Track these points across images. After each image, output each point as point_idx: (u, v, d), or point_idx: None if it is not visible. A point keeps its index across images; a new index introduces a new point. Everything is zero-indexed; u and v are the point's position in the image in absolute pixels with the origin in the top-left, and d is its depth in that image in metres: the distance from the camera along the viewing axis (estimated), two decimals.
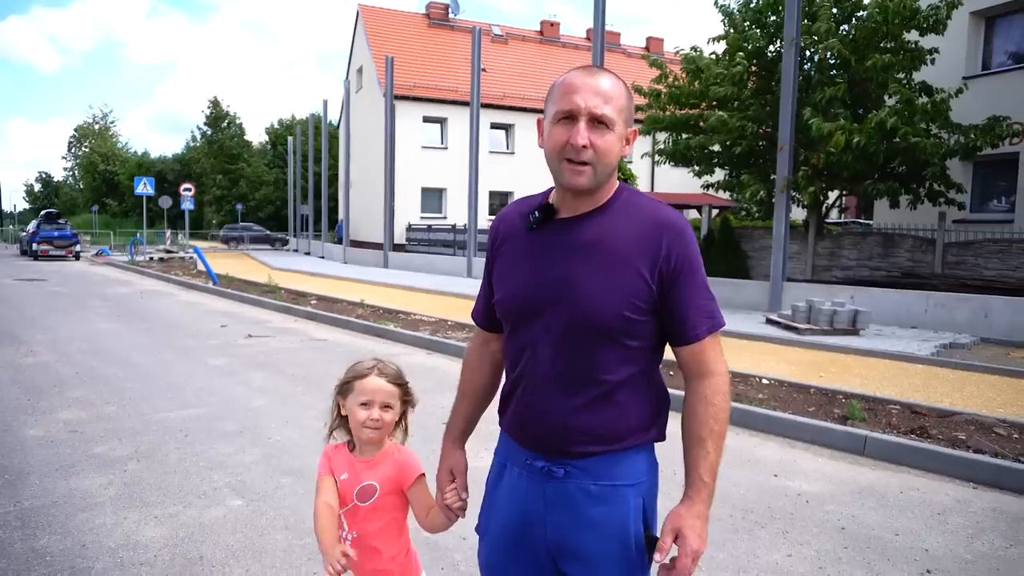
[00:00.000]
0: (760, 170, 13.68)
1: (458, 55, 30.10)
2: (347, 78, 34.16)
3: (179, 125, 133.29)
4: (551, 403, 1.47)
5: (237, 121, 58.06)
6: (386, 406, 1.78)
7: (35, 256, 26.32)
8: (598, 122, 1.40)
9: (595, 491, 1.48)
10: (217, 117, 56.76)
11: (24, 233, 31.18)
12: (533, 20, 37.29)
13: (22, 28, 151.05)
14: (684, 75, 13.82)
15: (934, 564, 3.28)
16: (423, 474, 1.86)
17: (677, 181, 27.48)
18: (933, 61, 12.30)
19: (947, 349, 8.60)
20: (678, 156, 14.46)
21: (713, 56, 13.65)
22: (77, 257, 27.01)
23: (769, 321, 10.17)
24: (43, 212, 30.77)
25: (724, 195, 16.56)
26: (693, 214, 26.33)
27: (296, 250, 35.46)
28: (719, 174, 15.07)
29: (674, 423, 1.54)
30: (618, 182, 1.55)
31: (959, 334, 9.36)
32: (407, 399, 1.84)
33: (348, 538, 1.81)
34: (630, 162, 25.58)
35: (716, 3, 13.56)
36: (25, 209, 71.64)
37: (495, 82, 30.42)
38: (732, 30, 13.35)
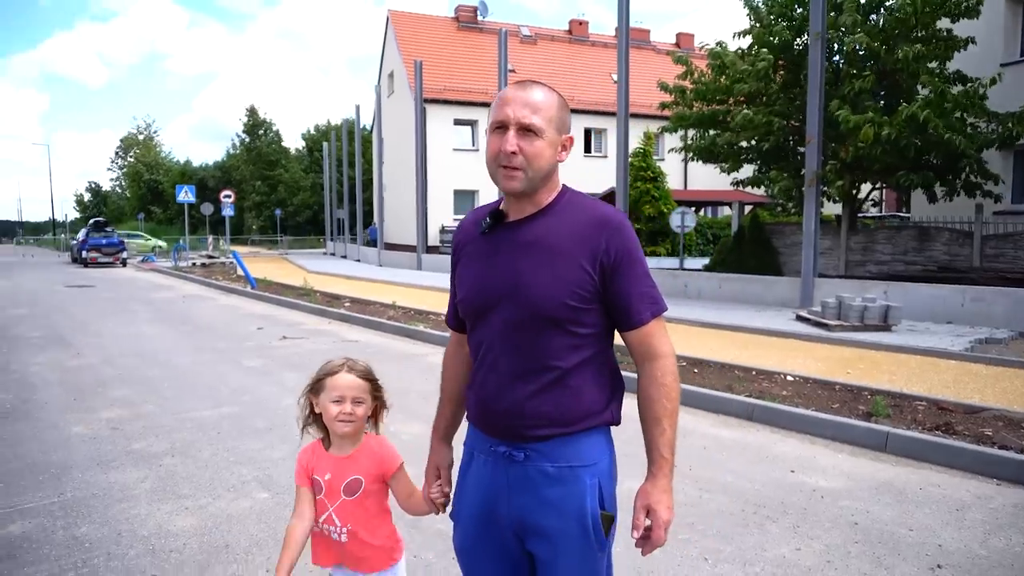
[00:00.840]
0: (789, 165, 13.52)
1: (487, 57, 30.27)
2: (378, 83, 34.63)
3: (219, 133, 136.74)
4: (507, 390, 1.57)
5: (274, 128, 59.28)
6: (357, 400, 1.86)
7: (85, 263, 27.30)
8: (527, 130, 1.52)
9: (553, 472, 1.57)
10: (255, 125, 58.05)
11: (74, 241, 32.35)
12: (563, 19, 37.36)
13: (69, 43, 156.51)
14: (709, 71, 13.73)
15: (946, 559, 3.28)
16: (402, 462, 1.97)
17: (709, 177, 27.20)
18: (967, 48, 12.01)
19: (982, 344, 8.41)
20: (705, 153, 14.37)
21: (739, 51, 13.53)
22: (124, 264, 27.95)
23: (799, 318, 10.07)
24: (91, 221, 31.87)
25: (757, 191, 16.39)
26: (726, 211, 26.05)
27: (332, 253, 36.09)
28: (748, 170, 14.93)
29: (632, 407, 1.63)
30: (561, 185, 1.66)
31: (996, 329, 9.14)
32: (377, 394, 1.93)
33: (344, 531, 1.89)
34: (662, 160, 25.51)
35: None
36: (76, 218, 74.24)
37: None
38: (758, 24, 13.22)
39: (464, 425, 1.87)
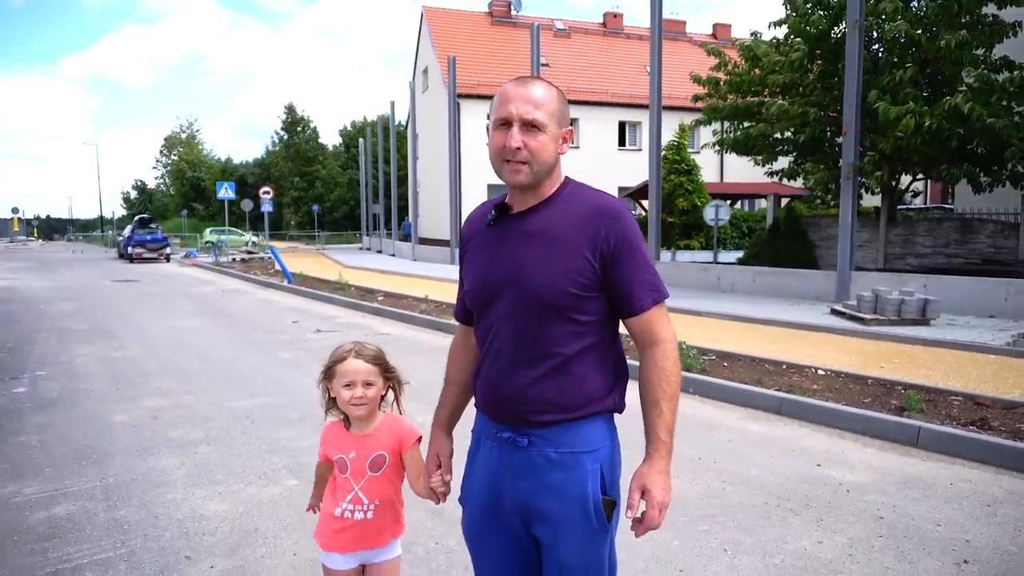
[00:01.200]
0: (826, 156, 13.26)
1: (521, 52, 30.20)
2: (412, 79, 34.89)
3: (259, 131, 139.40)
4: (511, 376, 1.62)
5: (312, 125, 60.12)
6: (367, 384, 1.94)
7: (130, 259, 28.15)
8: (530, 126, 1.57)
9: (555, 458, 1.61)
10: (293, 122, 58.96)
11: (120, 238, 33.36)
12: (598, 11, 37.07)
13: (116, 45, 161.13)
14: (743, 62, 13.52)
15: (973, 555, 3.23)
16: (420, 438, 2.03)
17: (745, 170, 26.81)
18: (1015, 34, 11.60)
19: None
20: (739, 145, 14.17)
21: (773, 41, 13.29)
22: (168, 259, 28.73)
23: (834, 312, 9.90)
24: (136, 218, 32.84)
25: (794, 183, 16.10)
26: (762, 203, 25.64)
27: (368, 248, 36.55)
28: (783, 162, 14.67)
29: (635, 395, 1.66)
30: (564, 176, 1.70)
31: None
32: (388, 374, 2.01)
33: (371, 507, 1.97)
34: (697, 153, 25.19)
35: None
36: (122, 215, 76.42)
37: (558, 76, 30.41)
38: (793, 13, 12.97)
39: (468, 414, 1.92)
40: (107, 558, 3.14)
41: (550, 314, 1.58)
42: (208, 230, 41.02)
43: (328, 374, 1.99)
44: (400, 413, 2.10)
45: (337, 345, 2.05)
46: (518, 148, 1.57)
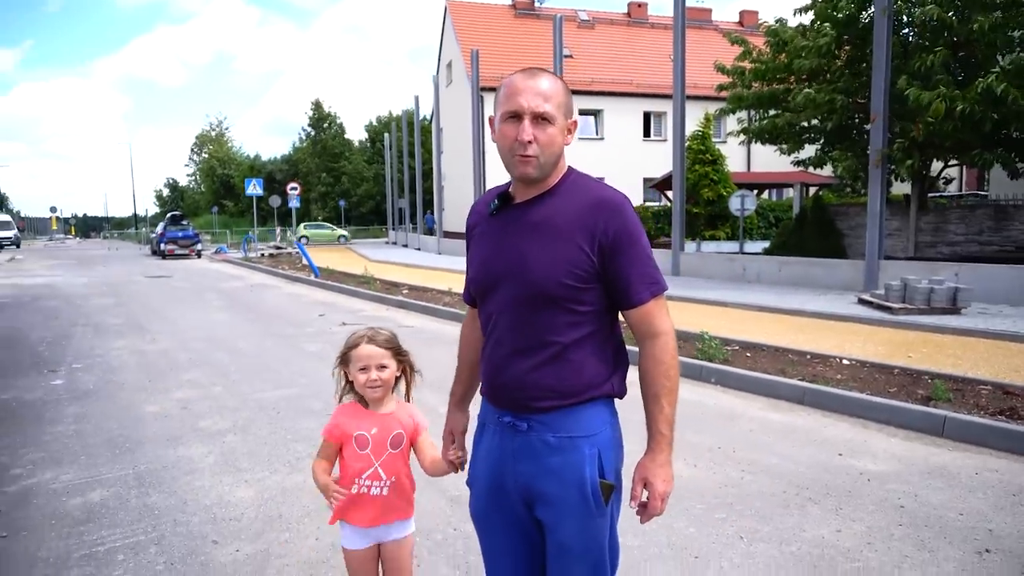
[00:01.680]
0: (854, 144, 13.02)
1: (545, 44, 30.06)
2: (436, 73, 34.99)
3: (287, 127, 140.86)
4: (511, 364, 1.66)
5: (338, 121, 60.66)
6: (381, 366, 2.05)
7: (163, 255, 28.75)
8: (540, 119, 1.59)
9: (553, 442, 1.65)
10: (320, 118, 59.56)
11: (154, 235, 34.08)
12: (623, 1, 36.65)
13: (149, 45, 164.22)
14: (768, 49, 13.32)
15: (996, 544, 3.20)
16: (427, 426, 2.15)
17: (773, 159, 26.45)
18: None
19: None
20: (765, 134, 13.98)
21: (799, 27, 13.08)
22: (199, 255, 29.27)
23: (861, 301, 9.76)
24: (168, 215, 33.49)
25: (822, 172, 15.85)
26: (789, 193, 25.28)
27: (394, 242, 36.82)
28: (809, 150, 14.45)
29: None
30: (567, 167, 1.72)
31: None
32: (400, 357, 2.11)
33: (389, 483, 2.06)
34: (723, 142, 24.92)
35: None
36: (155, 213, 77.97)
37: (582, 68, 30.29)
38: None
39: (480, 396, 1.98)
40: (138, 542, 3.26)
41: (548, 304, 1.61)
42: (302, 225, 42.95)
43: (344, 360, 2.09)
44: (409, 401, 2.19)
45: (351, 332, 2.14)
46: (529, 142, 1.59)
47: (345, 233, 42.16)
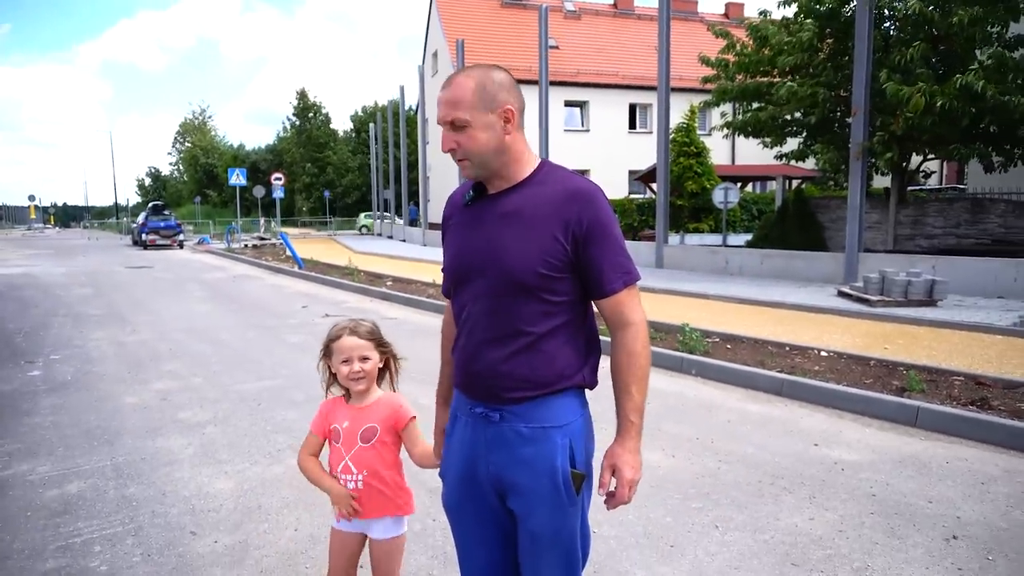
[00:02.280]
0: (836, 138, 13.13)
1: (531, 34, 29.95)
2: (422, 63, 34.78)
3: (271, 117, 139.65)
4: (483, 354, 1.67)
5: (323, 111, 60.18)
6: (364, 358, 2.06)
7: (144, 246, 28.43)
8: (454, 126, 1.63)
9: (526, 432, 1.67)
10: (305, 108, 59.05)
11: (135, 225, 33.68)
12: None
13: (130, 30, 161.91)
14: (751, 42, 13.38)
15: (962, 531, 3.27)
16: (414, 416, 2.16)
17: (758, 152, 26.62)
18: None
19: None
20: (748, 127, 14.06)
21: (783, 20, 13.14)
22: (181, 246, 28.99)
23: (840, 294, 9.88)
24: (150, 205, 33.11)
25: (805, 165, 15.98)
26: (773, 186, 25.46)
27: (380, 234, 36.67)
28: (792, 143, 14.56)
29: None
30: (538, 159, 1.73)
31: None
32: (383, 348, 2.12)
33: (360, 478, 2.07)
34: (707, 135, 25.01)
35: None
36: (137, 202, 77.05)
37: (568, 59, 30.25)
38: None
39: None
40: (115, 533, 3.26)
41: (521, 294, 1.62)
42: (362, 215, 44.56)
43: (326, 352, 2.11)
44: (395, 390, 2.20)
45: (333, 324, 2.15)
46: (452, 149, 1.65)
47: (367, 223, 42.62)
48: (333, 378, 2.13)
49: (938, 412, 4.78)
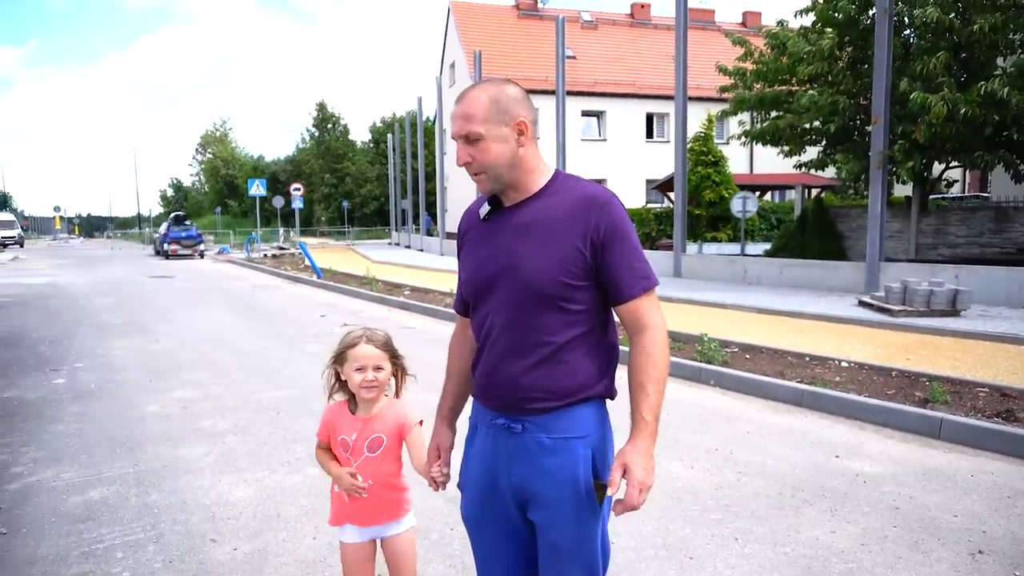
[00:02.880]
0: (856, 146, 13.02)
1: (548, 45, 30.07)
2: (440, 74, 35.03)
3: (291, 128, 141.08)
4: (505, 365, 1.67)
5: (342, 122, 60.77)
6: (378, 367, 2.09)
7: (166, 256, 28.80)
8: (468, 139, 1.64)
9: (548, 443, 1.67)
10: (323, 119, 59.66)
11: (157, 235, 34.17)
12: (626, 2, 36.81)
13: (155, 46, 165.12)
14: (769, 50, 13.34)
15: (989, 545, 3.21)
16: (420, 422, 2.17)
17: (776, 161, 26.47)
18: None
19: None
20: (766, 136, 13.99)
21: (801, 29, 13.08)
22: (202, 256, 29.34)
23: (861, 303, 9.76)
24: (172, 215, 33.57)
25: (825, 174, 15.86)
26: (792, 195, 25.28)
27: (397, 243, 36.86)
28: (811, 152, 14.46)
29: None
30: (553, 170, 1.74)
31: None
32: (395, 360, 2.14)
33: (366, 487, 2.10)
34: (725, 144, 24.92)
35: None
36: (159, 213, 78.14)
37: (585, 69, 30.33)
38: (820, 1, 12.74)
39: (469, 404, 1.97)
40: (137, 540, 3.29)
41: (542, 304, 1.63)
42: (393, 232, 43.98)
43: (339, 359, 2.12)
44: (398, 398, 2.22)
45: (347, 331, 2.17)
46: (467, 163, 1.66)
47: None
48: (339, 384, 2.15)
49: (962, 424, 4.71)
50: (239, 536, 3.33)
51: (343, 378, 2.12)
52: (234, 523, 3.47)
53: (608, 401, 1.77)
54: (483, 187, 1.71)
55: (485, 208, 1.76)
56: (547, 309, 1.63)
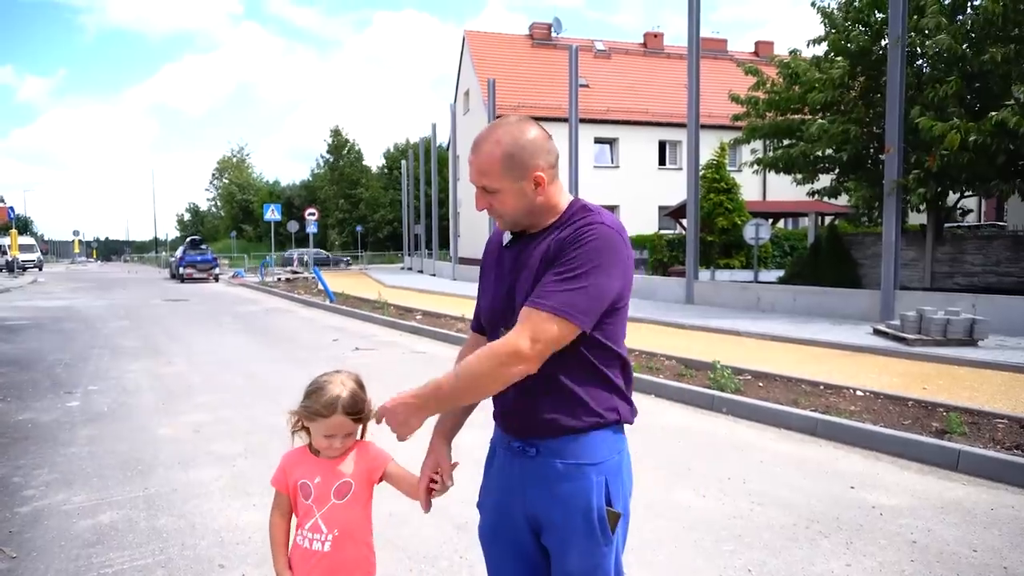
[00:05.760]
0: (869, 174, 13.00)
1: (561, 73, 30.38)
2: (454, 102, 35.47)
3: (306, 154, 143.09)
4: (516, 396, 1.67)
5: (356, 148, 61.51)
6: (348, 434, 1.90)
7: (181, 279, 29.12)
8: (487, 191, 1.67)
9: (561, 469, 1.66)
10: (338, 145, 60.45)
11: (173, 259, 34.57)
12: (640, 32, 37.32)
13: (176, 74, 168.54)
14: (781, 79, 13.42)
15: None
16: (391, 460, 1.97)
17: (789, 188, 26.44)
18: None
19: None
20: (779, 164, 14.01)
21: (813, 59, 13.16)
22: (217, 279, 29.61)
23: (876, 332, 9.66)
24: (188, 239, 33.99)
25: (838, 201, 15.82)
26: (805, 222, 25.20)
27: (410, 268, 37.05)
28: (824, 180, 14.45)
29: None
30: (570, 199, 1.73)
31: None
32: (364, 416, 1.92)
33: (330, 538, 1.86)
34: (738, 171, 24.95)
35: (813, 3, 13.07)
36: (176, 237, 79.13)
37: (598, 97, 30.59)
38: (833, 30, 12.84)
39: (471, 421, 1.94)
40: (146, 564, 3.29)
41: None
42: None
43: (308, 415, 1.87)
44: (363, 438, 1.99)
45: (319, 383, 1.90)
46: (484, 208, 1.70)
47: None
48: (303, 429, 1.92)
49: (981, 456, 4.62)
50: (247, 562, 3.31)
51: (305, 425, 1.91)
52: (243, 548, 3.45)
53: (626, 426, 1.76)
54: (503, 227, 1.75)
55: (508, 236, 1.79)
56: None
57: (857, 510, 3.97)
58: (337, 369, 1.99)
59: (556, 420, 1.64)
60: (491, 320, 1.77)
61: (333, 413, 1.84)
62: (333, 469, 1.90)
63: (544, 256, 1.63)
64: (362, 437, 1.98)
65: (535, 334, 1.52)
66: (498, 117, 1.74)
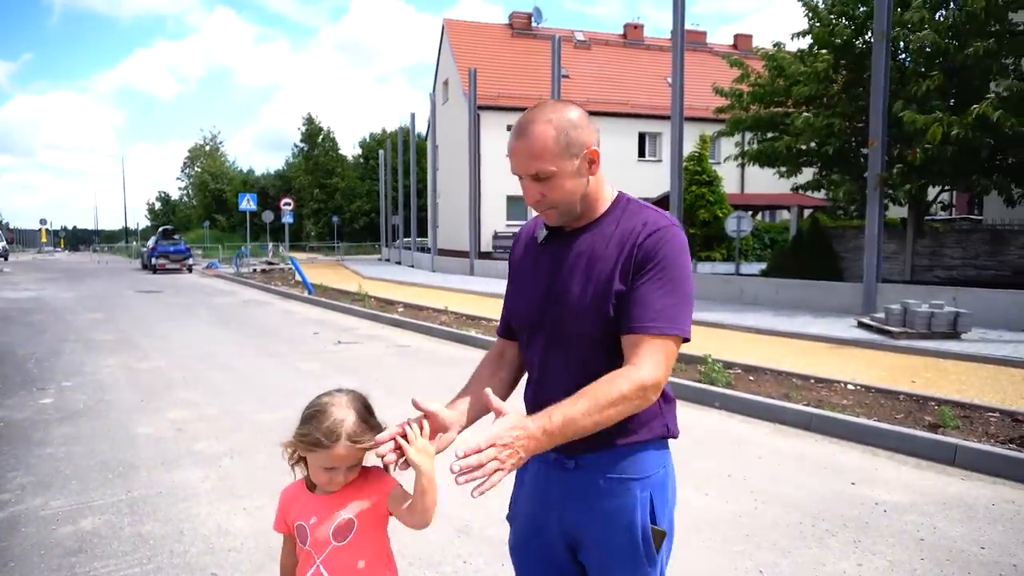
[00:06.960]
0: (852, 168, 13.09)
1: (542, 63, 30.28)
2: (433, 91, 35.11)
3: (281, 143, 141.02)
4: (557, 402, 1.54)
5: (331, 136, 60.65)
6: (351, 467, 1.58)
7: (154, 270, 28.48)
8: (539, 178, 1.51)
9: (603, 485, 1.55)
10: (312, 133, 59.53)
11: (144, 249, 33.81)
12: (620, 23, 37.23)
13: (146, 60, 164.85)
14: (765, 72, 13.43)
15: None
16: (396, 484, 1.62)
17: (768, 181, 26.63)
18: None
19: None
20: (762, 157, 14.04)
21: (798, 52, 13.19)
22: (190, 270, 29.03)
23: (860, 325, 9.72)
24: (160, 229, 33.25)
25: (817, 195, 15.92)
26: (784, 215, 25.42)
27: (387, 259, 36.69)
28: (807, 174, 14.52)
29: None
30: (616, 193, 1.63)
31: None
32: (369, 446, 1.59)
33: None
34: (718, 164, 25.06)
35: None
36: (147, 226, 77.56)
37: (578, 88, 30.45)
38: (817, 23, 12.86)
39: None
40: (134, 574, 3.12)
41: (592, 345, 1.53)
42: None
43: (308, 445, 1.55)
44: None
45: (318, 406, 1.58)
46: (537, 201, 1.55)
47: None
48: (301, 461, 1.62)
49: (977, 451, 4.62)
50: (241, 570, 3.17)
51: (303, 455, 1.60)
52: (236, 555, 3.30)
53: (671, 441, 1.65)
54: (553, 221, 1.59)
55: (543, 232, 1.65)
56: (597, 346, 1.53)
57: (861, 507, 3.93)
58: (339, 388, 1.66)
59: (601, 437, 1.51)
60: (533, 321, 1.62)
61: (336, 442, 1.51)
62: (330, 506, 1.58)
63: (619, 254, 1.50)
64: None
65: (669, 359, 1.48)
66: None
